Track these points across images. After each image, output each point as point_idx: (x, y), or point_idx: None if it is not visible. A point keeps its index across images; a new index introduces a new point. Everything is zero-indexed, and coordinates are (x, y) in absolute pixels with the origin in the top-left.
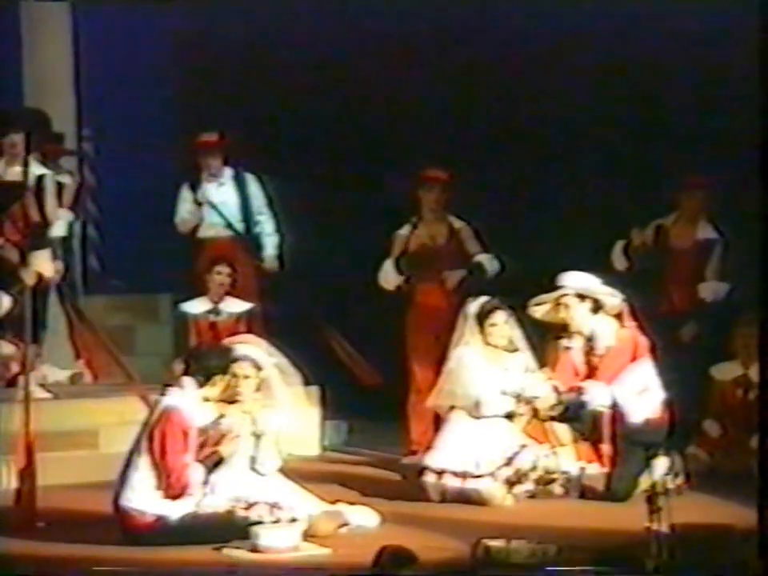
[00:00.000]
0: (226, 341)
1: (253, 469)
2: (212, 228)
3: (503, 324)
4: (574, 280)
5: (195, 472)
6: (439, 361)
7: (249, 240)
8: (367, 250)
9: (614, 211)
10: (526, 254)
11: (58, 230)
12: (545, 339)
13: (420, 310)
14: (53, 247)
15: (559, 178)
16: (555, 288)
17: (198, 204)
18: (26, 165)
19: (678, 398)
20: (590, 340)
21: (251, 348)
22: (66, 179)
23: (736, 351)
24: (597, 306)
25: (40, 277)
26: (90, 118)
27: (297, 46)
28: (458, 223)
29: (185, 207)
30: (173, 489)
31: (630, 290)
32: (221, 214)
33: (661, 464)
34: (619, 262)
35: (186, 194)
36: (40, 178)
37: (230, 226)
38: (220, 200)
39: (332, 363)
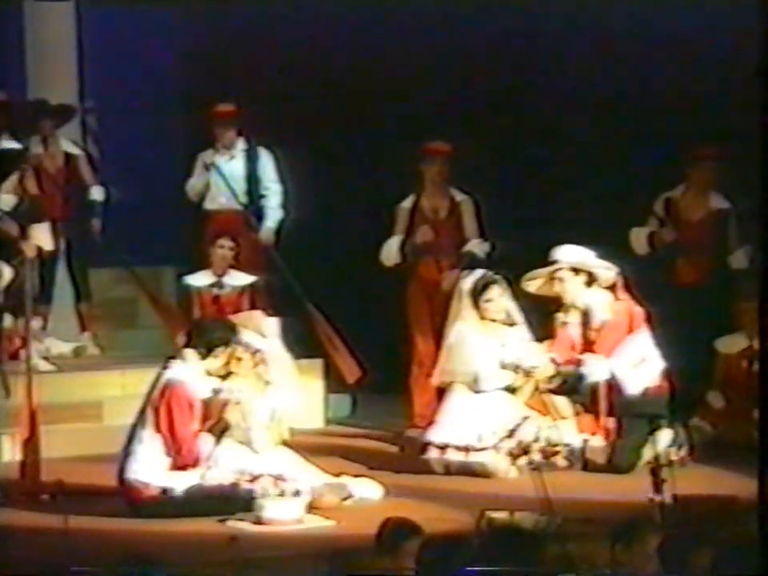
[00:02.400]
0: (229, 318)
1: (243, 443)
2: (217, 200)
3: (498, 298)
4: (568, 254)
5: (205, 442)
6: (441, 334)
7: (253, 213)
8: (369, 224)
9: (618, 184)
10: (527, 226)
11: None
12: (541, 313)
13: (421, 283)
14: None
15: (562, 150)
16: (549, 263)
17: (206, 168)
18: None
19: (682, 369)
20: (585, 314)
21: (245, 331)
22: (74, 149)
23: (741, 323)
24: (591, 280)
25: (39, 250)
26: (92, 90)
27: (301, 20)
28: (459, 196)
29: (195, 172)
30: (185, 460)
31: (636, 261)
32: (228, 186)
33: (664, 436)
34: (641, 248)
35: (198, 161)
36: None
37: (235, 198)
38: (228, 172)
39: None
